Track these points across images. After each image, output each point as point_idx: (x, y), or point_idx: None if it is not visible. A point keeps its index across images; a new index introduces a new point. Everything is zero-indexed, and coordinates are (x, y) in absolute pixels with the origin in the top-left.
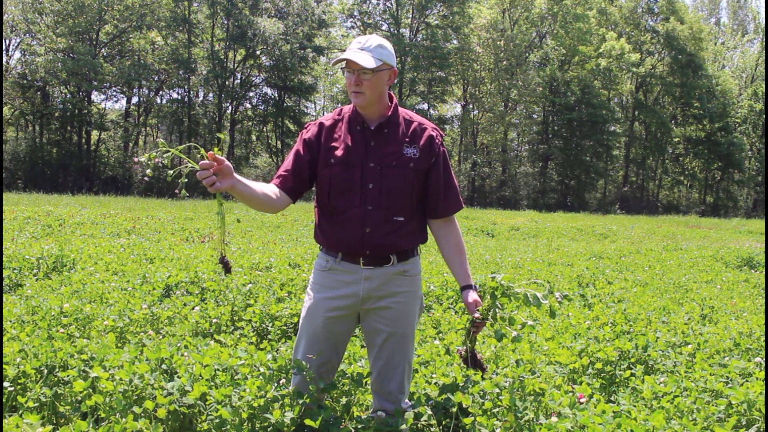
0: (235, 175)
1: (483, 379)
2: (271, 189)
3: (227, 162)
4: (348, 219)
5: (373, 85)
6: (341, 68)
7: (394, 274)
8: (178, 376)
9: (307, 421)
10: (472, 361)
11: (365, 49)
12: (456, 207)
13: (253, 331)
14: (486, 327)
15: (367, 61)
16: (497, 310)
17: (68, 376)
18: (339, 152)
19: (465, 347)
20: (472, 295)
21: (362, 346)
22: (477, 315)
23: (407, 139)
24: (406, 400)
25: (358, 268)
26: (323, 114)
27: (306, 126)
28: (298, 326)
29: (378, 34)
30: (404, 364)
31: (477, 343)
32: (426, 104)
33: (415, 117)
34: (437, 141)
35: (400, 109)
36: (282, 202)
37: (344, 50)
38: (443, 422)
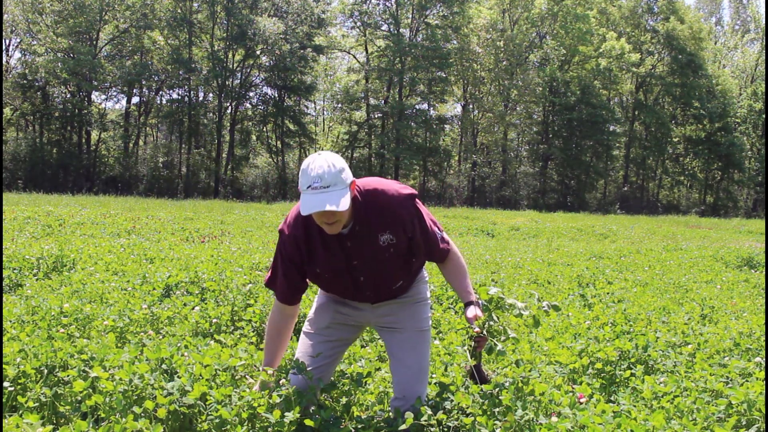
0: (271, 374)
1: None
2: (282, 325)
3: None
4: (350, 299)
5: (346, 212)
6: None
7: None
8: (178, 376)
9: (307, 421)
10: (478, 377)
11: (329, 186)
12: (442, 256)
13: (253, 331)
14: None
15: (342, 203)
16: (492, 323)
17: (68, 376)
18: (322, 264)
19: (469, 365)
20: (472, 311)
21: (362, 346)
22: (476, 330)
23: (380, 228)
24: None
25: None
26: (323, 114)
27: (281, 237)
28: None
29: (324, 157)
30: (424, 364)
31: (482, 358)
32: (426, 104)
33: (380, 198)
34: (408, 215)
35: (362, 189)
36: (294, 315)
37: (307, 185)
38: (443, 422)
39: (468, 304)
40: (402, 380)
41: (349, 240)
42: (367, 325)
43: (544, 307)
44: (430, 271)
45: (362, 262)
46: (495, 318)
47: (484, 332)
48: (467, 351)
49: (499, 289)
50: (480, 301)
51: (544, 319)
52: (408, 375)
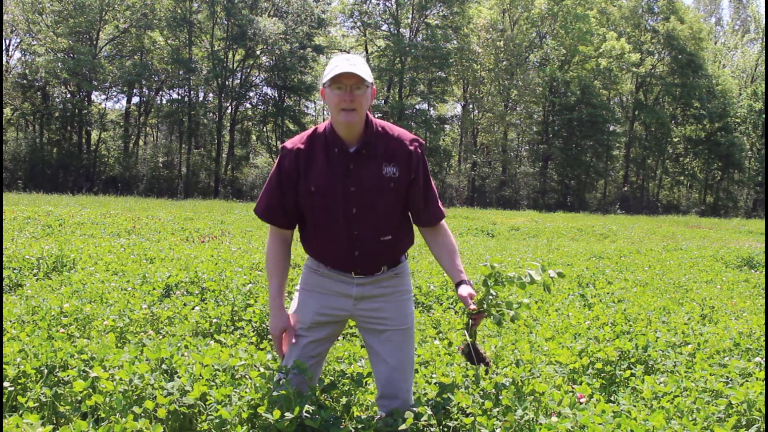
0: (283, 311)
1: (487, 373)
2: (281, 249)
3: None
4: (336, 244)
5: (365, 101)
6: (326, 86)
7: (385, 278)
8: (178, 376)
9: (307, 421)
10: (475, 355)
11: (357, 65)
12: (437, 217)
13: (253, 331)
14: (485, 318)
15: (366, 74)
16: (491, 297)
17: (68, 376)
18: (319, 180)
19: (466, 343)
20: (466, 289)
21: (362, 346)
22: (472, 307)
23: (386, 158)
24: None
25: (350, 276)
26: (323, 115)
27: (282, 152)
28: None
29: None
30: (409, 362)
31: (477, 338)
32: (426, 104)
33: (392, 130)
34: (416, 154)
35: (376, 121)
36: (290, 240)
37: (331, 65)
38: (443, 422)
39: (459, 283)
40: (387, 378)
41: (353, 162)
42: (350, 318)
43: (551, 273)
44: (429, 270)
45: (360, 190)
46: (493, 293)
47: (485, 306)
48: (464, 329)
49: (498, 264)
50: (471, 281)
51: (544, 316)
52: (393, 373)
